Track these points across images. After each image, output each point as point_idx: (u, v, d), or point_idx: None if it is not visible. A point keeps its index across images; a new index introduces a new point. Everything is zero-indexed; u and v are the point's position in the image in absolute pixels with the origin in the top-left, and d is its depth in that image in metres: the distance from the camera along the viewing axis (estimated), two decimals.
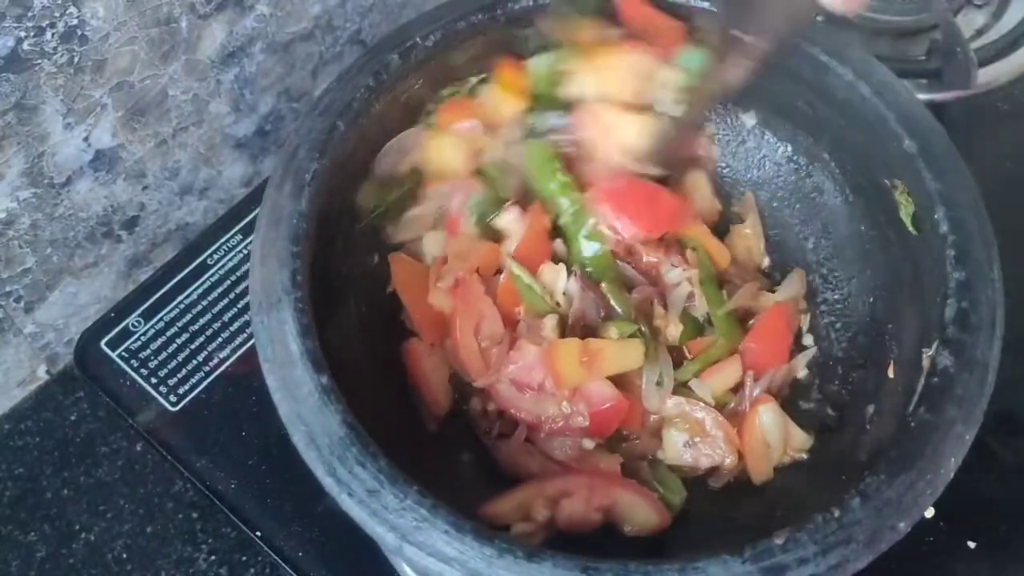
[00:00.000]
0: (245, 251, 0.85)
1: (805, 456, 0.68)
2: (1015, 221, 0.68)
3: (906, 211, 0.65)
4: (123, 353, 0.80)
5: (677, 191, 0.76)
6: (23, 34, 0.67)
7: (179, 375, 0.79)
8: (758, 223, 0.78)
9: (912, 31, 0.98)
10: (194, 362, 0.80)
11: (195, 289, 0.83)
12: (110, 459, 0.81)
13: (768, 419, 0.68)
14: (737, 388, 0.70)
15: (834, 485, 0.59)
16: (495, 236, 0.73)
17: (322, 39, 0.94)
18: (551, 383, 0.66)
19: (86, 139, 0.77)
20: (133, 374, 0.79)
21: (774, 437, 0.67)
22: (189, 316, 0.82)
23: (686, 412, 0.68)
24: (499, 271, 0.72)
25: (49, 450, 0.81)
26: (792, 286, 0.75)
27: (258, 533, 0.72)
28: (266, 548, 0.72)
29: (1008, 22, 0.99)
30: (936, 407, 0.55)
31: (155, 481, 0.79)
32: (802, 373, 0.72)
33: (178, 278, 0.84)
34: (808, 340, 0.74)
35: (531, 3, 0.71)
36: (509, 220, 0.73)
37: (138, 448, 0.81)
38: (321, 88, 0.68)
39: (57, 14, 0.69)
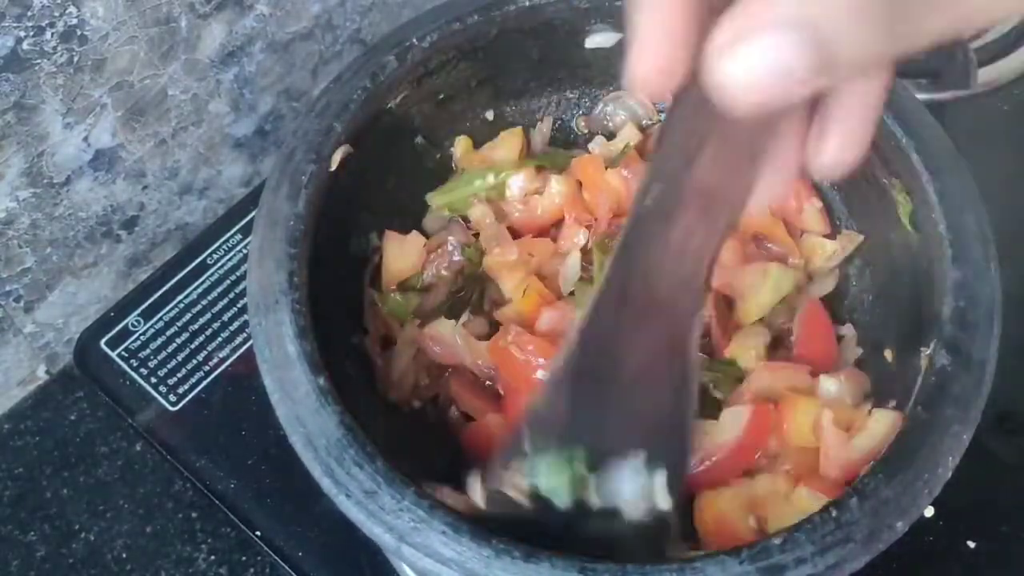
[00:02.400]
0: (245, 251, 0.85)
1: None
2: (1014, 220, 0.68)
3: (904, 209, 0.65)
4: (123, 353, 0.80)
5: None
6: (23, 34, 0.67)
7: (179, 375, 0.79)
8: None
9: None
10: (194, 362, 0.80)
11: (195, 288, 0.83)
12: (110, 459, 0.81)
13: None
14: None
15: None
16: None
17: (322, 38, 0.94)
18: None
19: (86, 139, 0.77)
20: (133, 374, 0.79)
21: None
22: (189, 316, 0.82)
23: None
24: None
25: (49, 450, 0.82)
26: (827, 282, 0.73)
27: (258, 533, 0.73)
28: (266, 548, 0.72)
29: (1008, 22, 0.99)
30: (934, 406, 0.55)
31: (155, 481, 0.80)
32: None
33: (178, 278, 0.83)
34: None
35: (527, 4, 0.71)
36: None
37: (138, 448, 0.81)
38: (321, 87, 0.68)
39: (56, 14, 0.69)
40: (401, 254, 0.72)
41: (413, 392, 0.69)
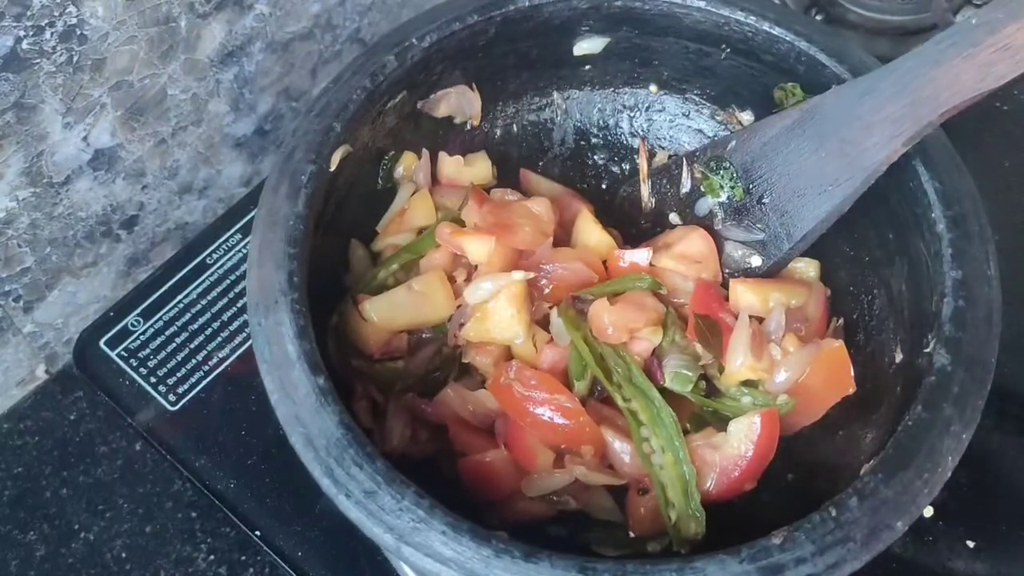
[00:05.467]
0: (244, 250, 0.85)
1: None
2: (1013, 220, 0.68)
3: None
4: (122, 352, 0.80)
5: None
6: (22, 33, 0.67)
7: (178, 374, 0.79)
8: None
9: (912, 31, 0.98)
10: (193, 361, 0.80)
11: (194, 288, 0.83)
12: (109, 459, 0.81)
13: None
14: None
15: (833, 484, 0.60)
16: None
17: (321, 38, 0.94)
18: None
19: (85, 138, 0.77)
20: (132, 373, 0.79)
21: None
22: (188, 315, 0.82)
23: None
24: None
25: (48, 450, 0.81)
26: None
27: (257, 532, 0.73)
28: (265, 547, 0.72)
29: None
30: (933, 405, 0.55)
31: (154, 481, 0.79)
32: None
33: (177, 277, 0.84)
34: None
35: (527, 4, 0.71)
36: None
37: (137, 448, 0.81)
38: (320, 87, 0.68)
39: (56, 13, 0.69)
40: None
41: (412, 446, 0.68)
